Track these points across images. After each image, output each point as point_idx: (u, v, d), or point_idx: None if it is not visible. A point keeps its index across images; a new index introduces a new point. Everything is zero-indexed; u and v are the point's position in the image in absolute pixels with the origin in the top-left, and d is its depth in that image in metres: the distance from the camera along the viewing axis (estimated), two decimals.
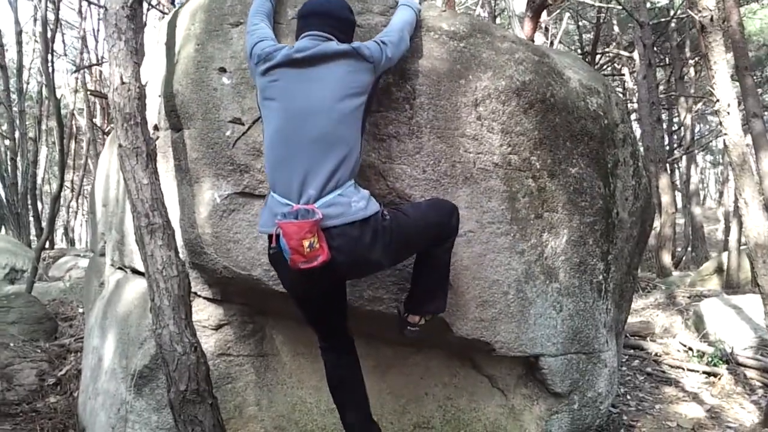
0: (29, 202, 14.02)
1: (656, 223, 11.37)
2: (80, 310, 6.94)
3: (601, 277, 3.36)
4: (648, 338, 7.11)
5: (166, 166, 2.99)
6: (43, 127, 18.64)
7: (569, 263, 3.20)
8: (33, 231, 14.38)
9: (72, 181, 21.27)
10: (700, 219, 16.63)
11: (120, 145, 2.71)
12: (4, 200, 14.39)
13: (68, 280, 9.30)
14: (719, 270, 10.86)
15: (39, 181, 17.59)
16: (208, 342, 2.97)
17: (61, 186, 8.38)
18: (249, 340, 3.06)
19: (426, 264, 2.61)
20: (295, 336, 3.11)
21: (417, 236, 2.50)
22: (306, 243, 2.15)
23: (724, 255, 11.25)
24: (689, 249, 17.01)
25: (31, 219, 14.06)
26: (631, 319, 7.08)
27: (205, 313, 3.01)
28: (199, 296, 3.02)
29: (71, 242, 22.41)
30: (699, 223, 16.42)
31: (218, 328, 3.02)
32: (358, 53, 2.39)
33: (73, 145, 19.91)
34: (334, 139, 2.31)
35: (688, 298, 8.52)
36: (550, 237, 3.13)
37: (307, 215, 2.19)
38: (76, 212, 23.70)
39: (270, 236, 2.32)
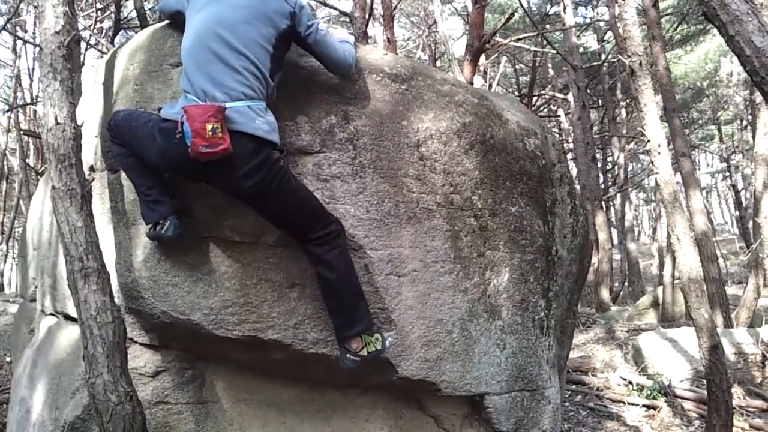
0: None
1: (594, 259, 11.68)
2: (8, 359, 6.59)
3: (542, 314, 3.41)
4: (589, 373, 7.23)
5: (101, 208, 2.90)
6: None
7: (511, 301, 3.23)
8: None
9: (2, 223, 20.40)
10: (635, 255, 17.17)
11: (53, 187, 2.62)
12: None
13: None
14: (655, 304, 11.20)
15: None
16: (145, 390, 2.85)
17: None
18: (188, 387, 2.95)
19: (328, 284, 2.62)
20: (236, 382, 3.02)
21: (295, 205, 2.56)
22: (209, 126, 2.24)
23: (660, 289, 11.63)
24: (626, 284, 17.49)
25: None
26: (572, 354, 7.19)
27: (141, 359, 2.90)
28: (136, 342, 2.91)
29: (0, 287, 21.38)
30: (634, 258, 16.95)
31: (155, 375, 2.91)
32: None
33: (4, 185, 19.16)
34: (243, 52, 2.44)
35: (627, 332, 8.74)
36: (493, 275, 3.17)
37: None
38: (6, 255, 22.66)
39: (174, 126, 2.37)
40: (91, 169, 3.01)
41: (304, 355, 2.77)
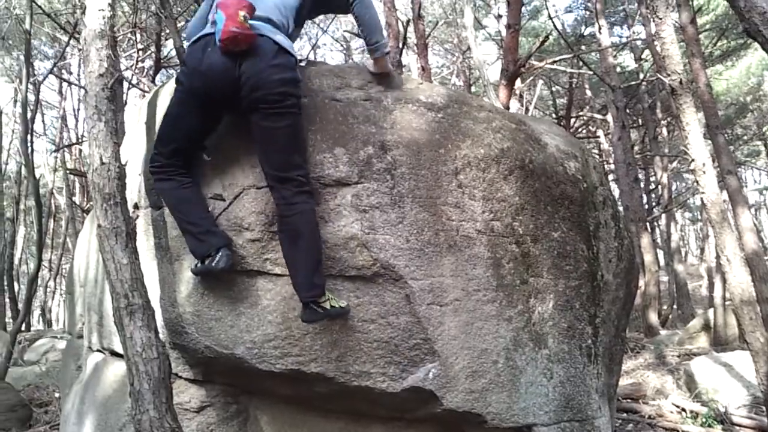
0: (5, 283, 13.67)
1: (640, 282, 11.39)
2: (56, 395, 6.71)
3: (590, 341, 3.32)
4: (640, 400, 7.01)
5: (146, 245, 2.95)
6: (21, 206, 18.50)
7: (557, 328, 3.16)
8: (9, 313, 13.96)
9: (50, 261, 20.97)
10: (683, 276, 16.70)
11: (99, 226, 2.68)
12: None
13: (44, 364, 9.02)
14: (706, 327, 10.83)
15: (16, 261, 17.30)
16: (190, 425, 2.86)
17: (38, 266, 8.25)
18: (232, 422, 2.95)
19: (299, 235, 2.60)
20: (280, 416, 3.01)
21: (298, 133, 2.72)
22: (241, 13, 2.54)
23: (710, 312, 11.25)
24: (675, 307, 16.99)
25: (7, 300, 13.68)
26: (621, 381, 6.99)
27: (186, 395, 2.91)
28: (180, 377, 2.93)
29: (48, 323, 21.85)
30: (683, 280, 16.48)
31: (200, 410, 2.91)
32: None
33: (51, 224, 19.73)
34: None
35: (678, 357, 8.47)
36: (537, 302, 3.10)
37: None
38: (54, 292, 23.20)
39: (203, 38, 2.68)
40: (135, 206, 3.07)
41: (347, 388, 2.74)
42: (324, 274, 2.66)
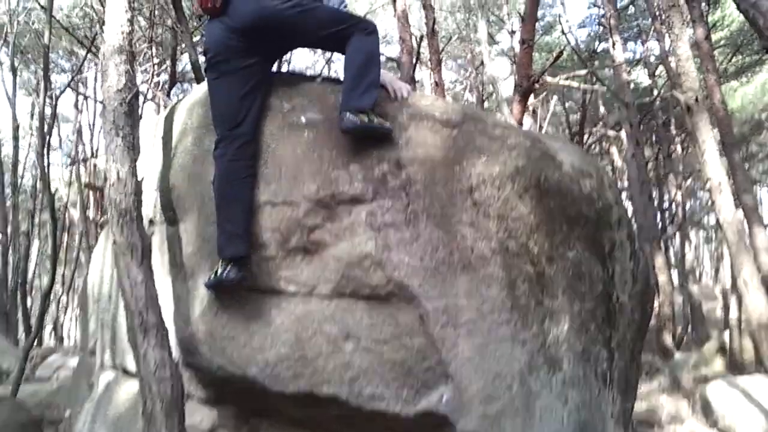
0: (18, 298, 13.71)
1: (654, 303, 11.26)
2: (67, 414, 6.69)
3: (605, 365, 3.27)
4: (656, 426, 6.90)
5: (160, 261, 2.94)
6: (36, 220, 18.64)
7: (572, 351, 3.10)
8: (21, 328, 13.96)
9: (63, 275, 21.04)
10: (698, 297, 16.49)
11: (115, 242, 2.68)
12: None
13: (56, 381, 9.02)
14: (722, 350, 10.67)
15: (30, 275, 17.37)
16: None
17: (52, 281, 8.26)
18: None
19: (362, 55, 2.85)
20: None
21: (328, 17, 2.88)
22: None
23: (726, 334, 11.10)
24: (689, 328, 16.77)
25: (20, 316, 13.71)
26: (636, 406, 6.89)
27: (198, 415, 2.88)
28: (192, 398, 2.90)
29: (60, 340, 21.90)
30: (697, 301, 16.27)
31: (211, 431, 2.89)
32: None
33: (65, 238, 19.83)
34: None
35: (693, 381, 8.35)
36: (552, 324, 3.06)
37: None
38: (66, 308, 23.27)
39: None
40: (150, 222, 3.07)
41: (360, 412, 2.70)
42: (373, 98, 2.84)
